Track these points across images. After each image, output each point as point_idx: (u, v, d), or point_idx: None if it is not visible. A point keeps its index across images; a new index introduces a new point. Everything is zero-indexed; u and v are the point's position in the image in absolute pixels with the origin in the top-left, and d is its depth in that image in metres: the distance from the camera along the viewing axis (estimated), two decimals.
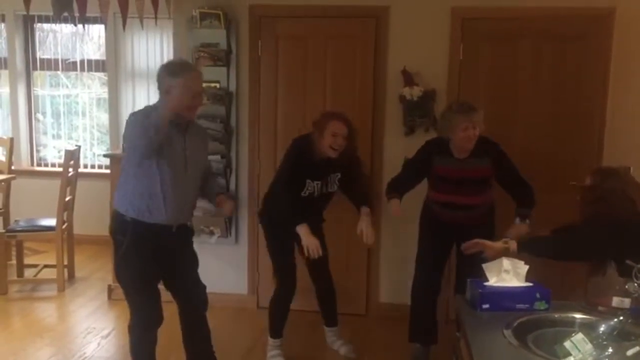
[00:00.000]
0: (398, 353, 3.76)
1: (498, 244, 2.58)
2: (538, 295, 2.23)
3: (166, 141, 2.76)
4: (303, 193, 3.38)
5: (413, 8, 4.10)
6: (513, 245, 2.53)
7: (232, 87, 4.28)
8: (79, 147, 5.19)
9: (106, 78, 5.93)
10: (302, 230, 3.23)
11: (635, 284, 2.02)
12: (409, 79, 4.10)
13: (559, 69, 4.02)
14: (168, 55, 5.17)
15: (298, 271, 4.09)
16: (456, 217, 3.43)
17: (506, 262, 2.30)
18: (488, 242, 2.61)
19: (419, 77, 4.09)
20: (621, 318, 2.00)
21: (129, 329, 3.05)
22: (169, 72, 2.80)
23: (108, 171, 4.81)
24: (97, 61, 6.15)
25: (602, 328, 1.99)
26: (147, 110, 2.81)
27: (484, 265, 2.36)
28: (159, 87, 2.83)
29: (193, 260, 3.18)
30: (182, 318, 3.16)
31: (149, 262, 2.90)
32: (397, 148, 4.07)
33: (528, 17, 3.98)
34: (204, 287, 3.19)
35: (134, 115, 2.85)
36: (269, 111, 4.33)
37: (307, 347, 3.91)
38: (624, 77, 3.92)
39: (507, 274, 2.28)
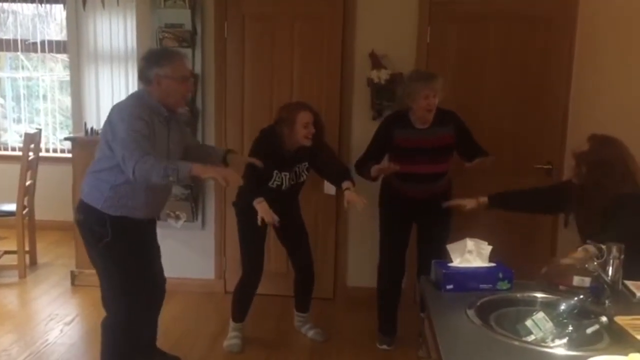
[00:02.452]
0: (365, 336, 3.77)
1: (577, 254, 2.28)
2: (501, 275, 2.23)
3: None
4: (271, 184, 3.37)
5: None
6: (593, 250, 2.23)
7: (198, 69, 4.19)
8: (40, 130, 5.04)
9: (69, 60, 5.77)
10: (259, 206, 3.19)
11: (595, 263, 2.05)
12: (376, 61, 4.08)
13: (526, 51, 4.04)
14: (132, 36, 5.04)
15: (268, 256, 4.10)
16: (419, 192, 3.43)
17: (470, 243, 2.30)
18: (563, 260, 2.34)
19: (386, 59, 4.07)
20: (581, 297, 2.03)
21: (111, 327, 2.87)
22: (155, 62, 2.70)
23: (70, 155, 4.68)
24: (58, 42, 5.99)
25: (562, 307, 2.00)
26: (136, 104, 2.67)
27: (448, 246, 2.36)
28: (143, 78, 2.73)
29: (159, 249, 3.15)
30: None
31: (134, 253, 2.82)
32: (365, 132, 4.02)
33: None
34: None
35: (121, 110, 2.66)
36: (236, 93, 4.27)
37: (276, 330, 3.90)
38: (587, 58, 3.96)
39: (471, 255, 2.29)
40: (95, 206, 2.74)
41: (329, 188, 3.92)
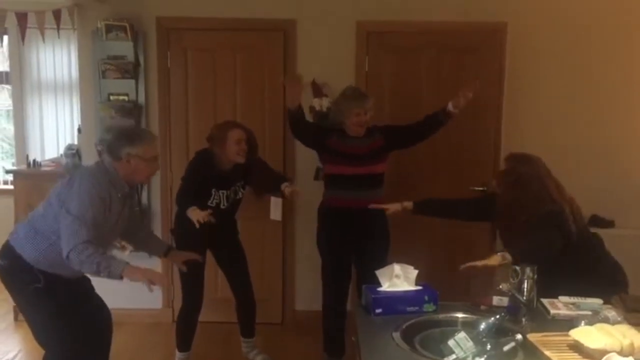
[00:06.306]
0: None
1: (494, 259, 2.50)
2: (426, 298, 2.34)
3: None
4: (210, 203, 3.41)
5: (319, 22, 4.22)
6: (509, 257, 2.48)
7: (141, 100, 4.24)
8: None
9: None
10: (192, 213, 3.20)
11: (508, 284, 2.17)
12: (318, 90, 4.20)
13: (459, 80, 4.19)
14: (76, 67, 5.03)
15: (215, 283, 4.12)
16: (355, 201, 3.46)
17: (397, 268, 2.41)
18: (481, 262, 2.51)
19: (327, 88, 4.20)
20: (498, 316, 2.14)
21: None
22: (128, 141, 2.73)
23: (12, 187, 4.62)
24: (1, 73, 5.92)
25: (482, 326, 2.11)
26: (100, 180, 2.68)
27: (376, 272, 2.46)
28: (112, 153, 2.75)
29: (89, 280, 3.08)
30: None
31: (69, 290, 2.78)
32: (309, 158, 4.12)
33: (428, 31, 4.18)
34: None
35: (83, 180, 2.66)
36: (180, 123, 4.32)
37: (223, 358, 3.91)
38: (516, 86, 4.19)
39: (399, 279, 2.39)
40: (25, 258, 2.67)
41: (275, 214, 3.97)
